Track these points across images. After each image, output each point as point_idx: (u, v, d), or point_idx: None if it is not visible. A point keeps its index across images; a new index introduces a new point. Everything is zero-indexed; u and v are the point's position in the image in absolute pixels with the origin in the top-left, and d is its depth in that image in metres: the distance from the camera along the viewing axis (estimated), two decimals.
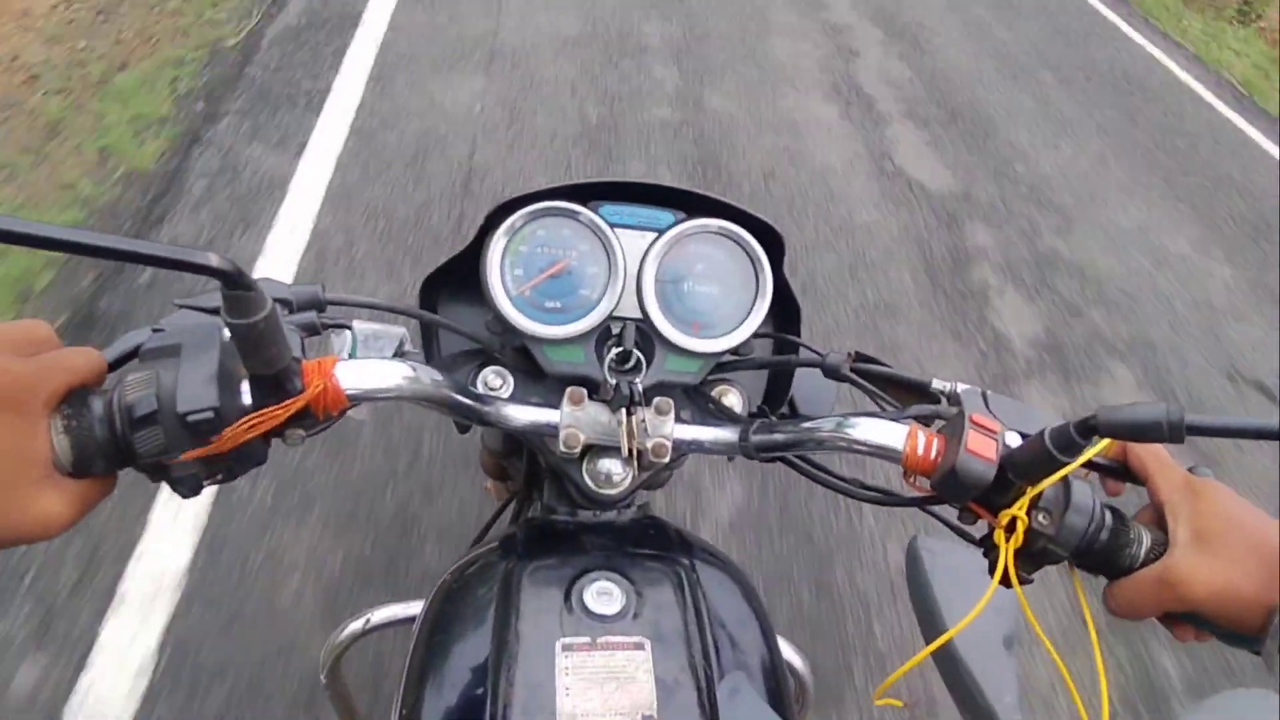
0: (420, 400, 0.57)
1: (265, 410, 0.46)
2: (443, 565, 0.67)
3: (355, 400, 0.51)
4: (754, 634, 0.60)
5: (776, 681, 0.58)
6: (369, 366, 0.53)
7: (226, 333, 0.44)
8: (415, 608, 0.73)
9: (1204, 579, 0.47)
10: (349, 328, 0.64)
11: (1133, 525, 0.51)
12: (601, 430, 0.61)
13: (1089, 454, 0.47)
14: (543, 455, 0.65)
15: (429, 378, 0.57)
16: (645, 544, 0.63)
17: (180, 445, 0.44)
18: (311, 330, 0.57)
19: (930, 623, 0.59)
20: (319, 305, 0.58)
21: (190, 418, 0.43)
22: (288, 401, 0.47)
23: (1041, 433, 0.48)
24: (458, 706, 0.52)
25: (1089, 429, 0.46)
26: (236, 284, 0.40)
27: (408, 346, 0.72)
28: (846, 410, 0.60)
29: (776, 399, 0.76)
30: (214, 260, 0.39)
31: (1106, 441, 0.47)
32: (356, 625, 0.81)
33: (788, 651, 0.73)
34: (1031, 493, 0.50)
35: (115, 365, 0.48)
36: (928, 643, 0.56)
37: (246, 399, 0.47)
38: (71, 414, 0.43)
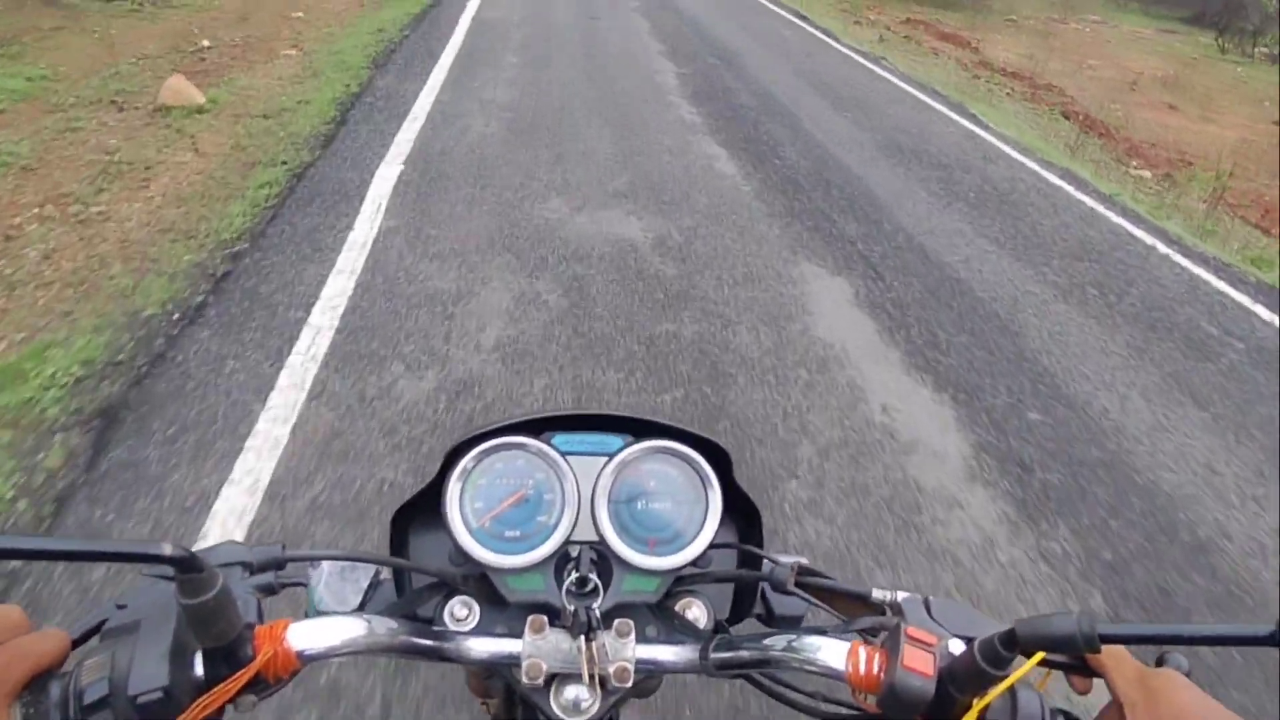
0: (377, 652, 0.57)
1: (215, 689, 0.47)
2: None
3: (307, 661, 0.52)
4: None
5: None
6: (322, 626, 0.55)
7: None
8: None
9: None
10: (305, 585, 0.65)
11: None
12: (563, 658, 0.61)
13: (1019, 674, 0.47)
14: (512, 683, 0.64)
15: (384, 628, 0.58)
16: None
17: None
18: (269, 591, 0.58)
19: None
20: (279, 564, 0.60)
21: (140, 699, 0.44)
22: (238, 674, 0.48)
23: (971, 646, 0.48)
24: None
25: (1012, 642, 0.46)
26: (190, 568, 0.43)
27: (383, 576, 0.73)
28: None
29: (744, 606, 0.75)
30: (167, 550, 0.41)
31: (1039, 656, 0.46)
32: None
33: None
34: (978, 707, 0.49)
35: (79, 642, 0.49)
36: None
37: (199, 670, 0.48)
38: (31, 700, 0.43)
